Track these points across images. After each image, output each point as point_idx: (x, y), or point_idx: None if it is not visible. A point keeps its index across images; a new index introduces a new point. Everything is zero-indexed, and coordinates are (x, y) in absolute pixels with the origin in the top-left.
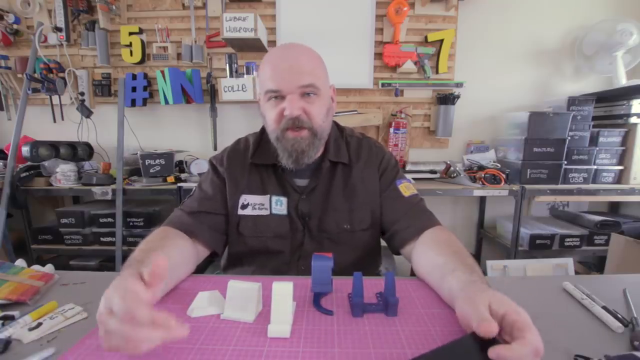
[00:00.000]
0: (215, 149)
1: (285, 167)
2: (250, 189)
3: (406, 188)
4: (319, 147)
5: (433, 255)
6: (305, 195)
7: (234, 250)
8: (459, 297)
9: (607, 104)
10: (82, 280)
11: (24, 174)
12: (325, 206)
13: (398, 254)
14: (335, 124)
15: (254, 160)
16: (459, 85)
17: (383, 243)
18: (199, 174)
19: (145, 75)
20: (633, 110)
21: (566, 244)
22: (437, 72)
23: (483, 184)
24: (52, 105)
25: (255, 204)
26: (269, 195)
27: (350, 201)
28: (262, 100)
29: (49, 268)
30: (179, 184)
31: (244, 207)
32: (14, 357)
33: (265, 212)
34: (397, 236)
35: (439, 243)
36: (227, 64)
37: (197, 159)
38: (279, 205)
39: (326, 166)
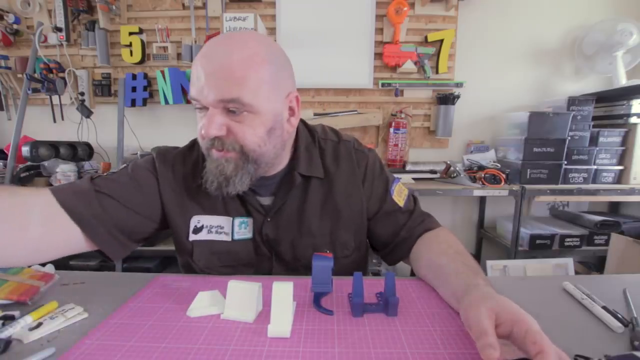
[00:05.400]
0: None
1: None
2: (205, 208)
3: (399, 194)
4: (258, 172)
5: (434, 256)
6: (270, 217)
7: None
8: (463, 303)
9: (607, 104)
10: (82, 280)
11: (24, 174)
12: (298, 229)
13: (392, 263)
14: (305, 125)
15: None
16: (459, 85)
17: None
18: None
19: (145, 75)
20: (633, 110)
21: (566, 244)
22: (437, 72)
23: (483, 184)
24: (52, 105)
25: (212, 227)
26: (231, 218)
27: (332, 221)
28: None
29: (49, 268)
30: None
31: (197, 230)
32: (14, 357)
33: (226, 238)
34: (400, 247)
35: (440, 244)
36: None
37: None
38: (243, 228)
39: (297, 181)
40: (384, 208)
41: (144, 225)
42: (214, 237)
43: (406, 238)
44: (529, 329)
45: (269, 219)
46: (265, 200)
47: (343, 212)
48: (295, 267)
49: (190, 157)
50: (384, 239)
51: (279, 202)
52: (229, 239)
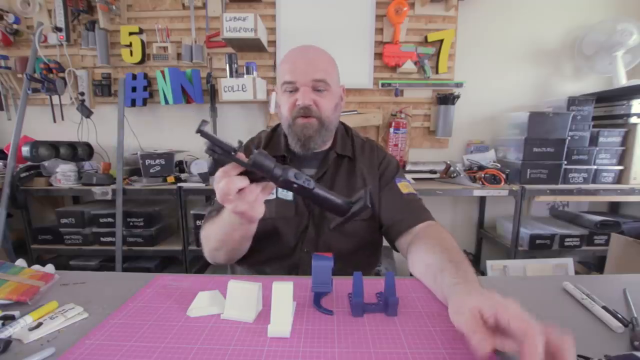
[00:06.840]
0: None
1: (293, 158)
2: None
3: (405, 187)
4: (326, 137)
5: (423, 254)
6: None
7: None
8: (449, 308)
9: (607, 104)
10: (82, 280)
11: (24, 174)
12: None
13: (395, 248)
14: (343, 123)
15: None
16: (458, 85)
17: (385, 243)
18: (199, 174)
19: (145, 75)
20: (633, 110)
21: (566, 244)
22: (437, 72)
23: (483, 184)
24: (52, 105)
25: None
26: None
27: (353, 192)
28: (279, 92)
29: (49, 268)
30: (179, 184)
31: None
32: (14, 357)
33: (272, 197)
34: (393, 228)
35: (427, 242)
36: (227, 64)
37: (197, 159)
38: (285, 191)
39: (333, 157)
40: (388, 186)
41: None
42: None
43: (399, 221)
44: (511, 318)
45: None
46: (309, 171)
47: (360, 186)
48: (322, 225)
49: (265, 137)
50: (383, 215)
51: (320, 172)
52: (274, 197)
